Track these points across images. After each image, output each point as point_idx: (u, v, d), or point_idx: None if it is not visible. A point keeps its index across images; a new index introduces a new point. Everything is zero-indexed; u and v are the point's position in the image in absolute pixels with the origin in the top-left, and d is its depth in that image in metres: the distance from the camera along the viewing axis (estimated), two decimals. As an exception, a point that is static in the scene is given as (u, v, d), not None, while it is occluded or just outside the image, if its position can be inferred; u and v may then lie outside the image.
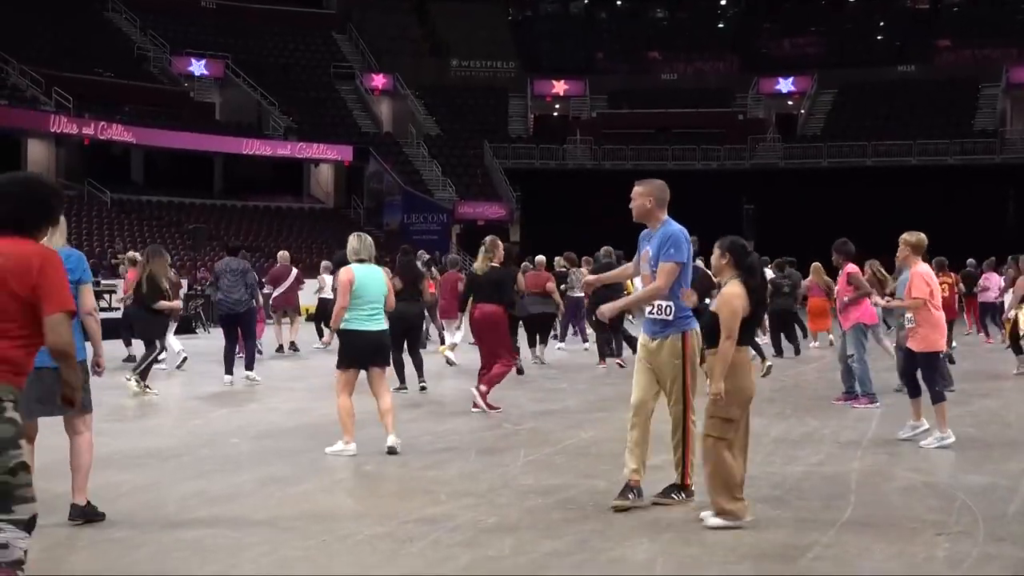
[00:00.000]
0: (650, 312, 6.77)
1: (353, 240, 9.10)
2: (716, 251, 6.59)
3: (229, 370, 13.76)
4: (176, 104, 42.50)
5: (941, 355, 9.88)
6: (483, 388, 11.20)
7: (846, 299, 11.64)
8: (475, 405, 11.15)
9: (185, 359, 15.42)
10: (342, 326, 8.81)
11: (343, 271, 8.93)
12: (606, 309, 7.16)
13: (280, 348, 18.40)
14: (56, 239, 6.26)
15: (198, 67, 44.81)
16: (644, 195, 6.88)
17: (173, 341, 15.50)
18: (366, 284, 8.83)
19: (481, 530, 6.20)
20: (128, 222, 33.50)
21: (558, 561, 5.60)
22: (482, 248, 11.65)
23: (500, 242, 11.84)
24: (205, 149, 40.01)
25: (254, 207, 40.66)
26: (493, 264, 11.55)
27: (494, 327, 11.54)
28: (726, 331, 6.22)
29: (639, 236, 7.03)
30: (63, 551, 5.56)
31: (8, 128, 34.64)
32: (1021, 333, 14.65)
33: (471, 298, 11.59)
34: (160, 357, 13.84)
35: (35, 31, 41.00)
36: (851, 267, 11.80)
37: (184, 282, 15.99)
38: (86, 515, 6.20)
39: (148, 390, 12.43)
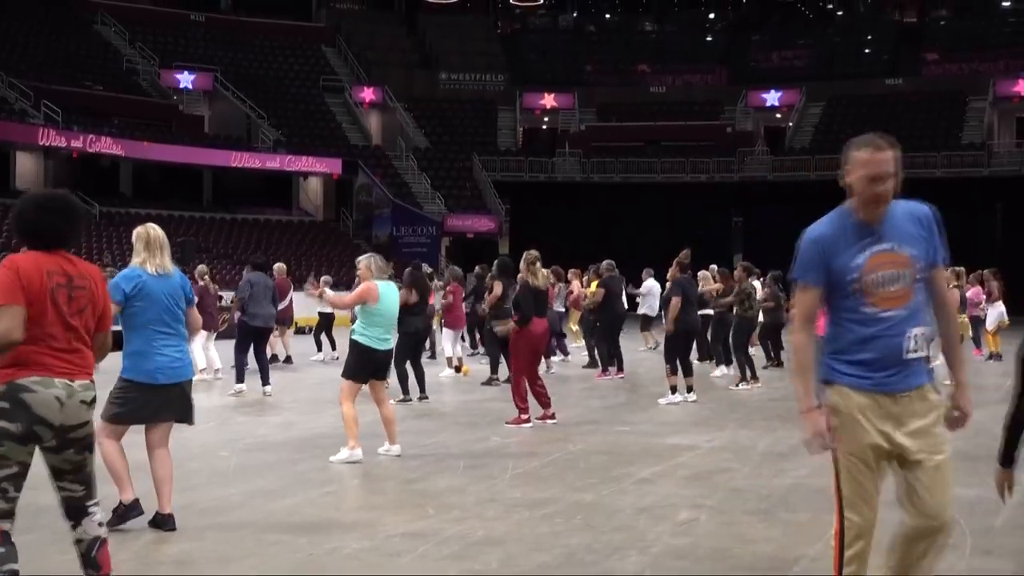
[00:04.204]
0: (912, 350, 4.03)
1: (376, 260, 9.33)
2: None
3: (243, 378, 13.99)
4: (165, 117, 42.45)
5: None
6: (550, 411, 11.36)
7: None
8: (547, 418, 11.30)
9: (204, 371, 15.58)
10: (361, 342, 8.97)
11: (370, 284, 9.06)
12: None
13: (274, 358, 18.42)
14: (166, 262, 6.49)
15: (187, 80, 44.77)
16: (898, 162, 4.05)
17: (199, 354, 15.63)
18: (388, 304, 9.11)
19: (469, 543, 6.19)
20: (117, 235, 33.41)
21: (546, 574, 5.60)
22: (537, 262, 11.58)
23: None
24: (194, 162, 39.95)
25: (243, 220, 40.60)
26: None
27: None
28: None
29: (831, 231, 4.13)
30: (48, 563, 5.54)
31: (-4, 141, 34.62)
32: None
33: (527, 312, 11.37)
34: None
35: (24, 44, 40.95)
36: None
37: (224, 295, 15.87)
38: (168, 524, 6.46)
39: None
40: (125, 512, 6.37)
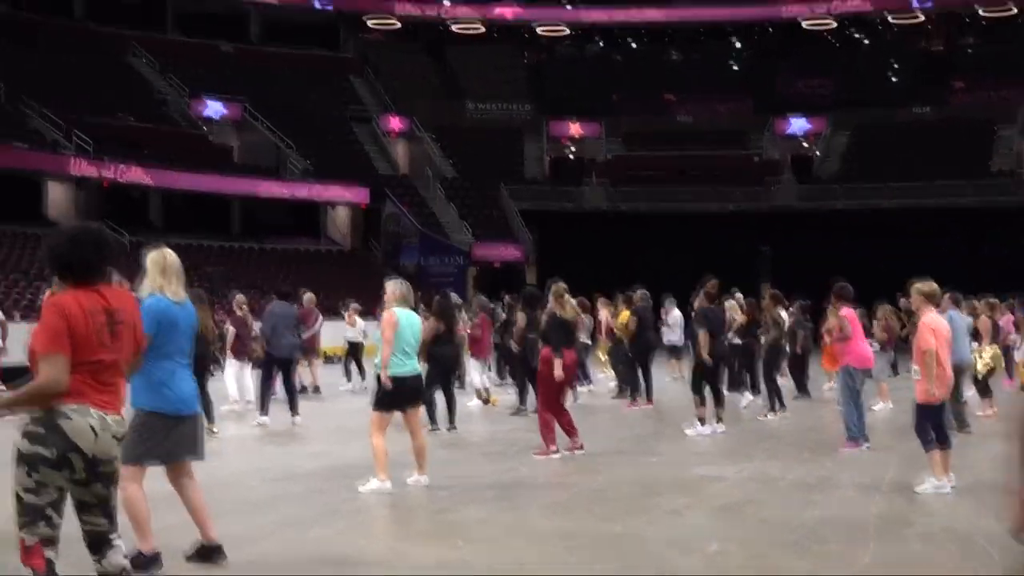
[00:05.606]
0: None
1: (401, 286, 9.33)
2: None
3: (266, 411, 13.95)
4: (195, 147, 42.83)
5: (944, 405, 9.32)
6: (577, 440, 11.23)
7: (828, 340, 11.83)
8: (575, 448, 11.19)
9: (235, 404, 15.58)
10: (392, 370, 8.94)
11: (389, 316, 9.04)
12: None
13: (303, 389, 18.42)
14: (181, 290, 6.34)
15: (216, 110, 45.18)
16: None
17: (230, 384, 15.69)
18: (407, 329, 9.10)
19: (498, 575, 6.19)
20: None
21: (575, 607, 5.59)
22: (565, 294, 11.52)
23: None
24: (223, 191, 40.27)
25: (271, 249, 40.83)
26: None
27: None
28: None
29: None
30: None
31: (29, 171, 34.99)
32: (980, 376, 14.63)
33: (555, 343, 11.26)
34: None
35: (56, 75, 41.44)
36: (845, 311, 11.84)
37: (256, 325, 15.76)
38: (218, 555, 6.38)
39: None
40: (145, 563, 6.00)
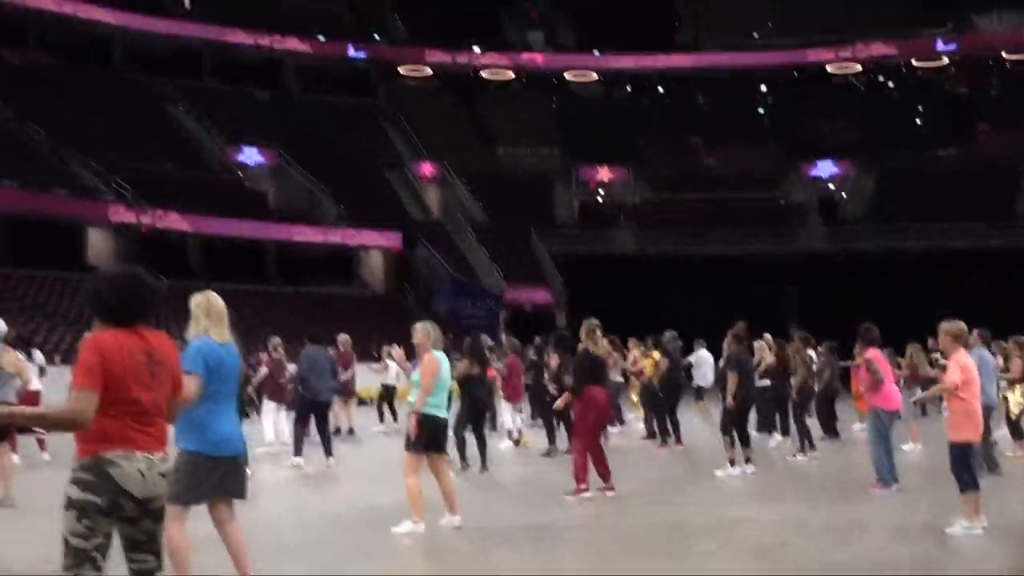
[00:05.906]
0: None
1: (432, 329, 9.43)
2: None
3: (301, 452, 14.11)
4: (231, 193, 43.38)
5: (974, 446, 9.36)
6: (610, 483, 11.25)
7: (862, 387, 11.86)
8: (607, 490, 11.23)
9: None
10: (426, 411, 9.05)
11: (430, 357, 9.16)
12: None
13: (337, 431, 18.65)
14: (227, 332, 6.50)
15: (252, 157, 45.80)
16: None
17: (267, 427, 15.93)
18: (443, 373, 9.25)
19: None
20: (184, 309, 33.89)
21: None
22: (597, 330, 11.59)
23: None
24: (259, 237, 40.74)
25: (307, 294, 41.13)
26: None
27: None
28: None
29: None
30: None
31: (70, 218, 35.62)
32: (1014, 416, 14.56)
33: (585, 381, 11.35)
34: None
35: (96, 123, 42.19)
36: (871, 353, 11.90)
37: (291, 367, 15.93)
38: None
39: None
40: None
